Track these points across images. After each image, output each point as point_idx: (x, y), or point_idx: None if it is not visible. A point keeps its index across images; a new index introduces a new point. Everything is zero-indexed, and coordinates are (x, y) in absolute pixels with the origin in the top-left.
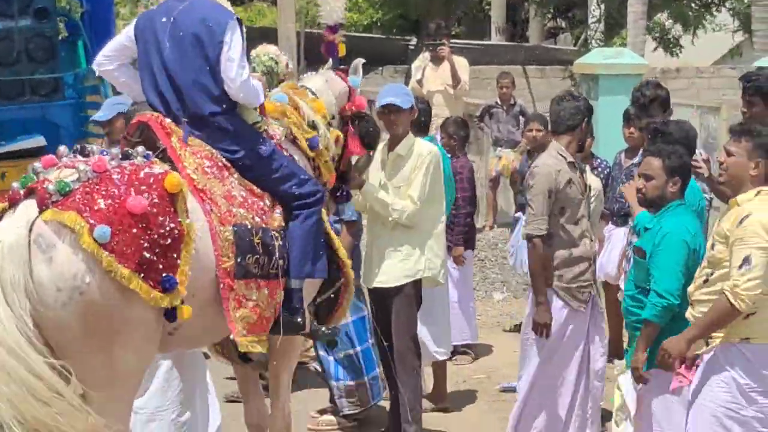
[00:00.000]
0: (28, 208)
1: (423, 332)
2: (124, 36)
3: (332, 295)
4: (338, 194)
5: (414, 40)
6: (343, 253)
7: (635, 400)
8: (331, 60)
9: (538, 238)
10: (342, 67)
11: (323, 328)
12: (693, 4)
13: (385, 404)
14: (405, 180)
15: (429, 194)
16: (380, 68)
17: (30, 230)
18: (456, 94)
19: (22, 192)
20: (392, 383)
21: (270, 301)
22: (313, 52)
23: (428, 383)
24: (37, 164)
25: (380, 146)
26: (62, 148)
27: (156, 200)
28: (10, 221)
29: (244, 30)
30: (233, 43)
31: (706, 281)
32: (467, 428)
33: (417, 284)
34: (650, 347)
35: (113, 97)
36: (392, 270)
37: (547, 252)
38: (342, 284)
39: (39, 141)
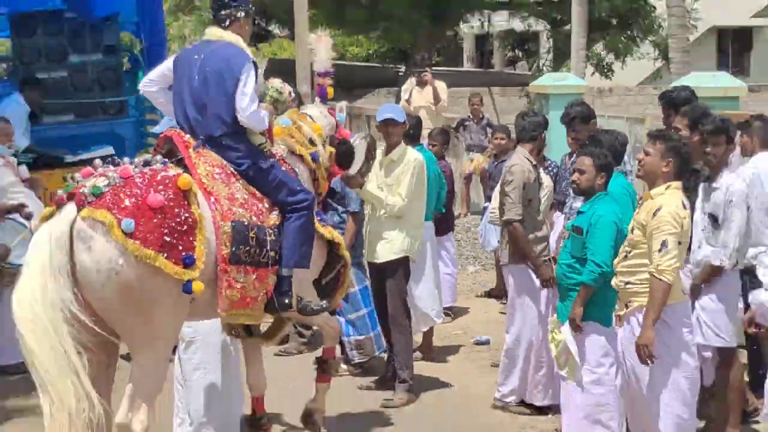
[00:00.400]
0: (69, 208)
1: (424, 299)
2: (165, 66)
3: (335, 275)
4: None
5: (403, 68)
6: (340, 243)
7: (575, 344)
8: (321, 100)
9: (517, 222)
10: (331, 106)
11: (311, 305)
12: (622, 38)
13: (384, 356)
14: (396, 180)
15: (414, 193)
16: (376, 90)
17: (71, 226)
18: (437, 110)
19: (65, 196)
20: (388, 339)
21: (257, 284)
22: None
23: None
24: (77, 174)
25: (379, 152)
26: (97, 161)
27: (171, 196)
28: (56, 219)
29: (260, 71)
30: (248, 80)
31: (625, 257)
32: (449, 373)
33: (405, 262)
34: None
35: (169, 115)
36: (382, 249)
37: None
38: (342, 266)
39: (108, 150)
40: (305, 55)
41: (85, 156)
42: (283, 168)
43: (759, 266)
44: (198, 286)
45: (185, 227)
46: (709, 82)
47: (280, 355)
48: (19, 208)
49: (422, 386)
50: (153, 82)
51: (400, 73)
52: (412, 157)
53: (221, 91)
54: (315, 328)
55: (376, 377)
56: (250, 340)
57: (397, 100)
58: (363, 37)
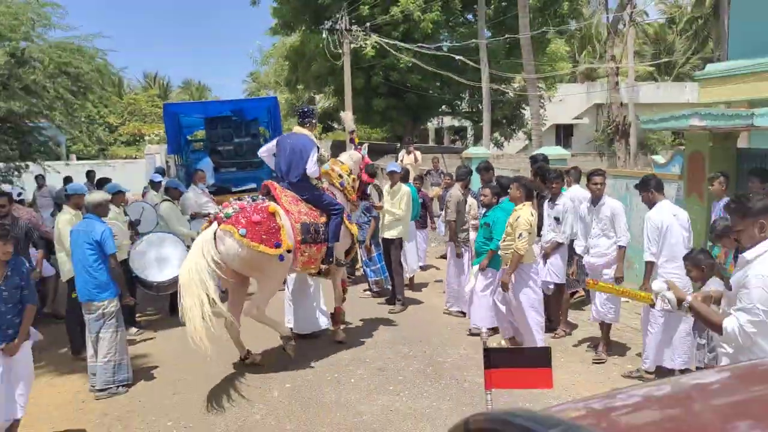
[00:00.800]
0: (214, 224)
1: (410, 260)
2: (271, 144)
3: (351, 248)
4: (363, 198)
5: (398, 144)
6: (355, 232)
7: (480, 278)
8: (353, 145)
9: (453, 221)
10: (359, 147)
11: (341, 261)
12: (508, 129)
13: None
14: (396, 201)
15: (405, 208)
16: (385, 155)
17: (215, 233)
18: (416, 165)
19: (213, 218)
20: (392, 279)
21: (316, 253)
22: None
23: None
24: (220, 206)
25: (386, 188)
26: (231, 199)
27: (265, 216)
28: (208, 229)
29: (321, 149)
30: (312, 155)
31: (503, 240)
32: (422, 296)
33: (400, 240)
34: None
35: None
36: (390, 232)
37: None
38: (354, 244)
39: (253, 185)
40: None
41: (241, 188)
42: (327, 193)
43: (575, 243)
44: (288, 256)
45: (273, 230)
46: (552, 151)
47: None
48: (208, 215)
49: (409, 302)
50: (264, 152)
51: (397, 146)
52: (404, 189)
53: (300, 159)
54: (358, 274)
55: (386, 298)
56: (321, 277)
57: (397, 160)
58: (379, 128)
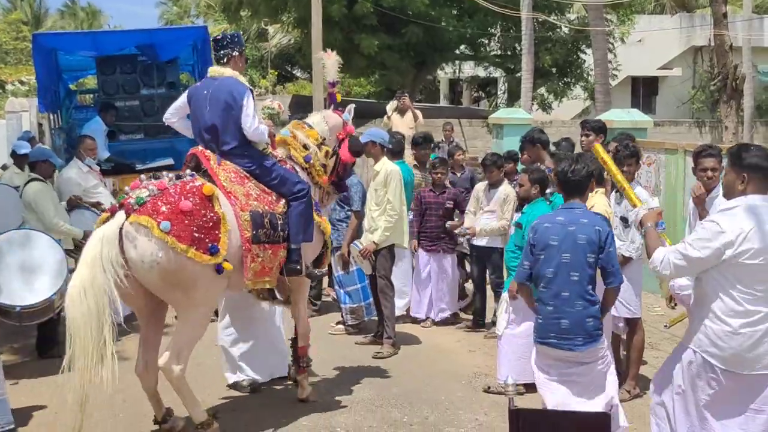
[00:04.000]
0: (120, 215)
1: (399, 284)
2: (181, 100)
3: (323, 252)
4: (338, 188)
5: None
6: (327, 230)
7: (512, 307)
8: (332, 105)
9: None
10: (340, 108)
11: (316, 271)
12: (560, 83)
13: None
14: (379, 185)
15: (395, 197)
16: (373, 120)
17: (121, 228)
18: (416, 126)
19: (117, 205)
20: (378, 306)
21: (273, 257)
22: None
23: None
24: (127, 187)
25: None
26: (143, 176)
27: (198, 201)
28: (109, 224)
29: (255, 96)
30: (248, 105)
31: None
32: (421, 333)
33: (391, 248)
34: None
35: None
36: (372, 236)
37: None
38: (325, 248)
39: (169, 161)
40: (319, 91)
41: (151, 165)
42: (284, 167)
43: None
44: (228, 266)
45: (210, 224)
46: (625, 116)
47: None
48: (97, 205)
49: (403, 341)
50: (173, 115)
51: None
52: (388, 169)
53: (229, 116)
54: (324, 298)
55: (370, 335)
56: (277, 302)
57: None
58: (364, 80)
